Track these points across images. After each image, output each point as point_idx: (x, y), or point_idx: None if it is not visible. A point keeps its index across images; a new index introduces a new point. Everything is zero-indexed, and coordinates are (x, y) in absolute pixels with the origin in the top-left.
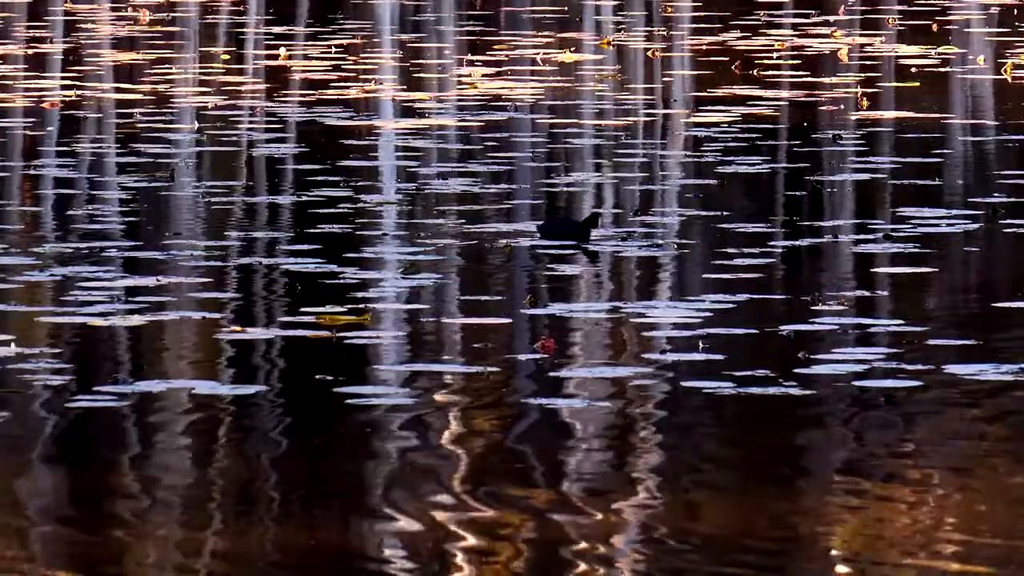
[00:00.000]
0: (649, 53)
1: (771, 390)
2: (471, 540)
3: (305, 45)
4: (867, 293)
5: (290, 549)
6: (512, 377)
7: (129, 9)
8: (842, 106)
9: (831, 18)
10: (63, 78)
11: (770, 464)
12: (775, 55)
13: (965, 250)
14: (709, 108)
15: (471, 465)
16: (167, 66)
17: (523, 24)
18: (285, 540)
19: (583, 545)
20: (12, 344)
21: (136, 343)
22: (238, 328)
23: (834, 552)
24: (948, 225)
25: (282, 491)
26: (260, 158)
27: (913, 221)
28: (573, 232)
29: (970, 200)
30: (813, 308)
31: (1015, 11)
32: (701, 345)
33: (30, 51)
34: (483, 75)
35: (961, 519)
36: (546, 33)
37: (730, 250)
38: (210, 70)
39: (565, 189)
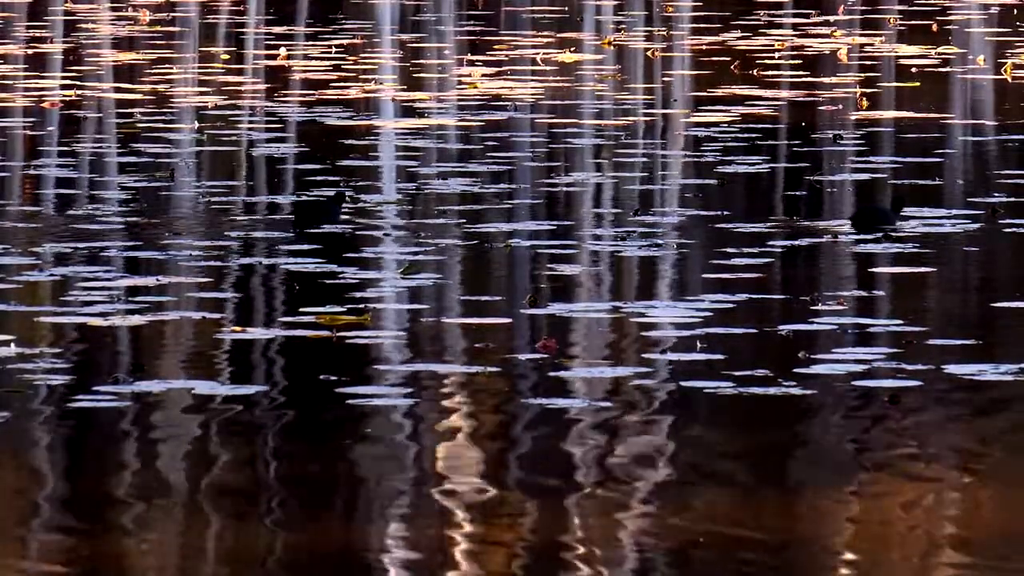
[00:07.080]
0: (649, 53)
1: (771, 390)
2: (471, 540)
3: (305, 45)
4: (867, 293)
5: (290, 549)
6: (512, 377)
7: (129, 9)
8: (842, 106)
9: (831, 18)
10: (63, 78)
11: (770, 464)
12: (775, 55)
13: (965, 250)
14: (709, 108)
15: (471, 465)
16: (167, 66)
17: (523, 24)
18: (285, 540)
19: (583, 545)
20: (12, 344)
21: (136, 343)
22: (238, 328)
23: (834, 552)
24: (948, 225)
25: (282, 491)
26: (260, 158)
27: (913, 221)
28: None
29: (970, 200)
30: (813, 308)
31: (1015, 11)
32: (700, 345)
33: (30, 51)
34: (483, 75)
35: (961, 519)
36: (546, 33)
37: (730, 250)
38: (210, 70)
39: (565, 189)
